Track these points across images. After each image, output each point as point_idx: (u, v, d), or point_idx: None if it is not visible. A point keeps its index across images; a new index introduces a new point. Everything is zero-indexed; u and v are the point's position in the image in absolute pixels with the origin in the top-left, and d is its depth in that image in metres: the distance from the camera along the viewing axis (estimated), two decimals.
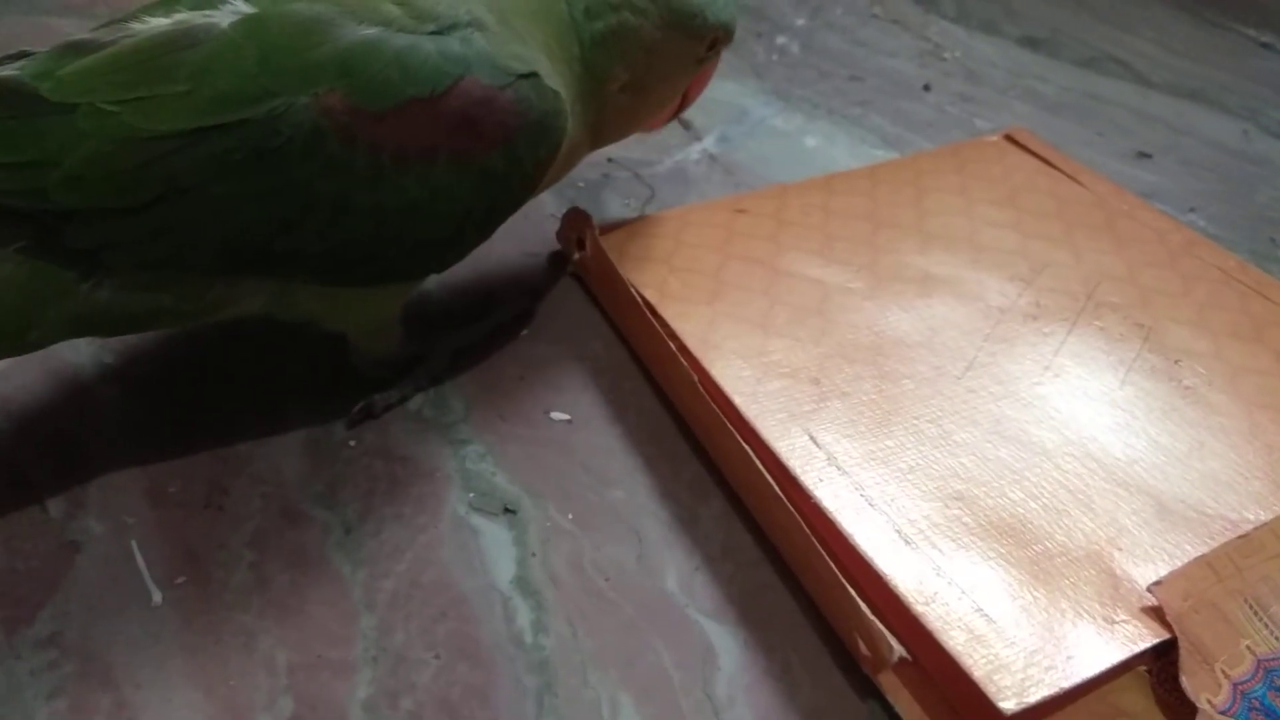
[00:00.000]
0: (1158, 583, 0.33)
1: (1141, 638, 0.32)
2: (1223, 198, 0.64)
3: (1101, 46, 0.82)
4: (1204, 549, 0.35)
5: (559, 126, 0.38)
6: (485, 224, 0.39)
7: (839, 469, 0.38)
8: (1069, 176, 0.59)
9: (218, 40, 0.32)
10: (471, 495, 0.40)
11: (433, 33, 0.34)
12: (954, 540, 0.35)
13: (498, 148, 0.36)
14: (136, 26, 0.33)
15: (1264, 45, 0.87)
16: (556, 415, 0.43)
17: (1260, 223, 0.62)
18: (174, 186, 0.31)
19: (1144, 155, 0.68)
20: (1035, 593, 0.34)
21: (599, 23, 0.40)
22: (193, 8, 0.34)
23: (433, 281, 0.49)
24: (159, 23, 0.33)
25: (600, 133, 0.44)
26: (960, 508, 0.36)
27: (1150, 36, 0.85)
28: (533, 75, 0.36)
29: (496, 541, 0.38)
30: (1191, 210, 0.62)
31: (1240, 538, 0.35)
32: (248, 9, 0.33)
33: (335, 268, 0.36)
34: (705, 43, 0.43)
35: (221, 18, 0.33)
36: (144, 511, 0.38)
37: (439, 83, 0.34)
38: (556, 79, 0.38)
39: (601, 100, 0.42)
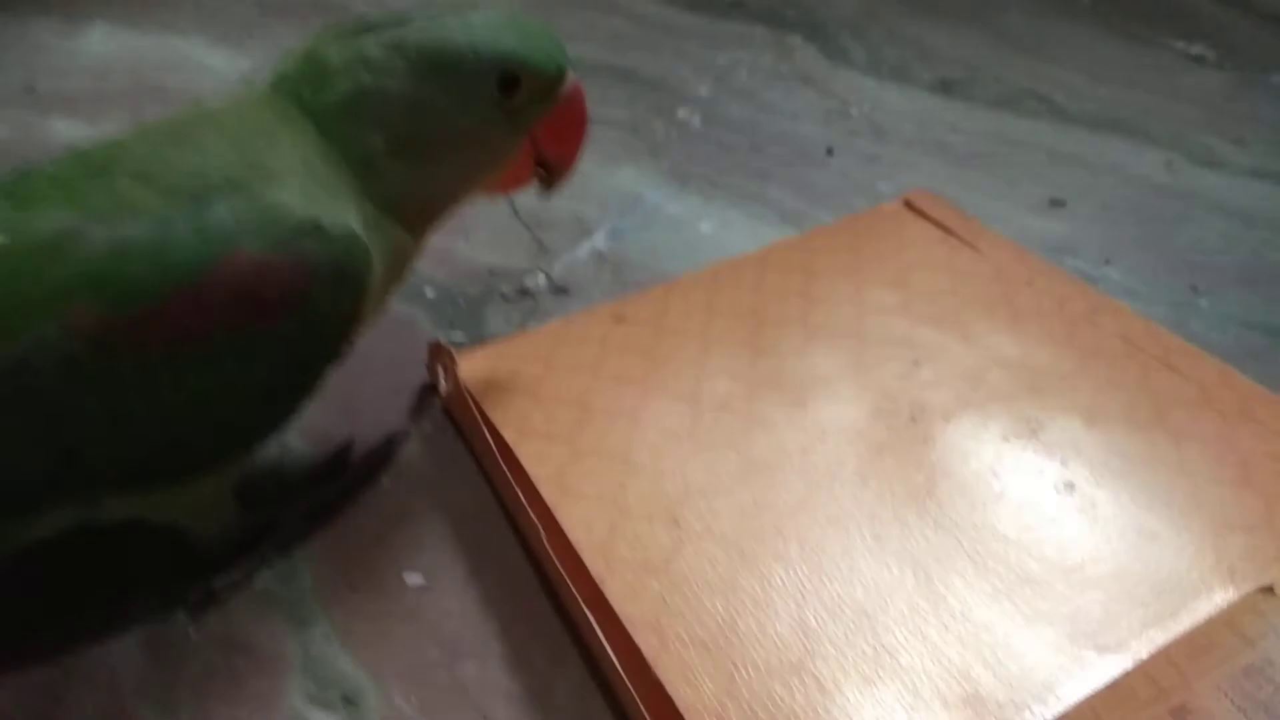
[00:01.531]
0: None
1: None
2: (1142, 244, 0.61)
3: (1019, 82, 0.79)
4: (1075, 696, 0.32)
5: (359, 267, 0.35)
6: (299, 390, 0.36)
7: (680, 640, 0.35)
8: (968, 244, 0.56)
9: None
10: (311, 685, 0.37)
11: (192, 203, 0.32)
12: (790, 718, 0.33)
13: (290, 314, 0.34)
14: None
15: (1194, 59, 0.84)
16: (411, 579, 0.41)
17: (1181, 268, 0.59)
18: None
19: (1058, 203, 0.65)
20: None
21: (330, 94, 0.36)
22: None
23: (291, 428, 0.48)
24: None
25: (413, 221, 0.39)
26: (802, 675, 0.34)
27: (1072, 64, 0.82)
28: (312, 223, 0.33)
29: None
30: (1107, 262, 0.60)
31: (1106, 688, 0.32)
32: None
33: (137, 477, 0.34)
34: (491, 85, 0.37)
35: None
36: None
37: (202, 264, 0.31)
38: (339, 204, 0.35)
39: (385, 182, 0.37)
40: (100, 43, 0.85)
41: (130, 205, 0.32)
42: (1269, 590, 0.35)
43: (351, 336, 0.37)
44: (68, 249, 0.31)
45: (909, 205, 0.60)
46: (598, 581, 0.37)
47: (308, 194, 0.34)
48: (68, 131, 0.71)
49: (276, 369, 0.35)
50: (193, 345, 0.32)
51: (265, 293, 0.33)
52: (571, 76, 0.40)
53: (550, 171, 0.43)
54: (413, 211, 0.39)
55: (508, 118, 0.38)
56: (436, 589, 0.41)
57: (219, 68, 0.81)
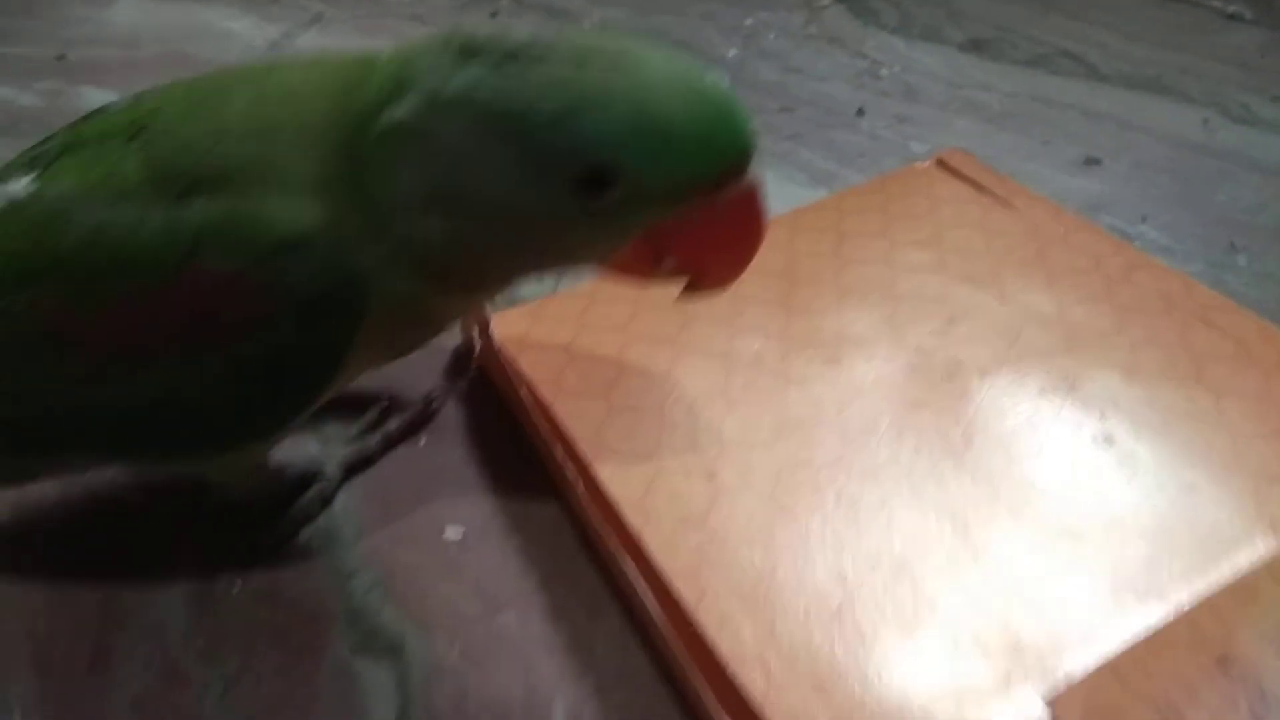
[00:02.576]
0: (1054, 697, 0.31)
1: None
2: (1178, 202, 0.61)
3: (1052, 41, 0.78)
4: (1119, 645, 0.33)
5: (349, 300, 0.31)
6: (287, 405, 0.33)
7: (719, 590, 0.35)
8: (1002, 202, 0.56)
9: None
10: (355, 636, 0.38)
11: (177, 197, 0.29)
12: (830, 664, 0.33)
13: (249, 337, 0.30)
14: None
15: (1231, 17, 0.83)
16: (451, 532, 0.42)
17: (1219, 226, 0.59)
18: None
19: (1093, 161, 0.64)
20: (932, 713, 0.31)
21: (384, 118, 0.29)
22: None
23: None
24: None
25: (440, 280, 0.32)
26: (841, 623, 0.34)
27: (1106, 22, 0.81)
28: (296, 241, 0.29)
29: (378, 686, 0.36)
30: (1143, 220, 0.59)
31: (1149, 636, 0.32)
32: (28, 189, 0.32)
33: (107, 452, 0.35)
34: (564, 177, 0.28)
35: None
36: (30, 681, 0.37)
37: (166, 267, 0.29)
38: (342, 227, 0.30)
39: (406, 228, 0.30)
40: (128, 12, 0.85)
41: (124, 186, 0.30)
42: None
43: (332, 371, 0.32)
44: (57, 224, 0.30)
45: (941, 164, 0.59)
46: (636, 535, 0.38)
47: (307, 206, 0.30)
48: (98, 99, 0.71)
49: (249, 383, 0.31)
50: (145, 351, 0.30)
51: (227, 307, 0.30)
52: (738, 183, 0.30)
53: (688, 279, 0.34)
54: (439, 271, 0.32)
55: (591, 215, 0.29)
56: (476, 544, 0.41)
57: (246, 35, 0.81)
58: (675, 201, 0.29)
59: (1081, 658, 0.32)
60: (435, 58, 0.29)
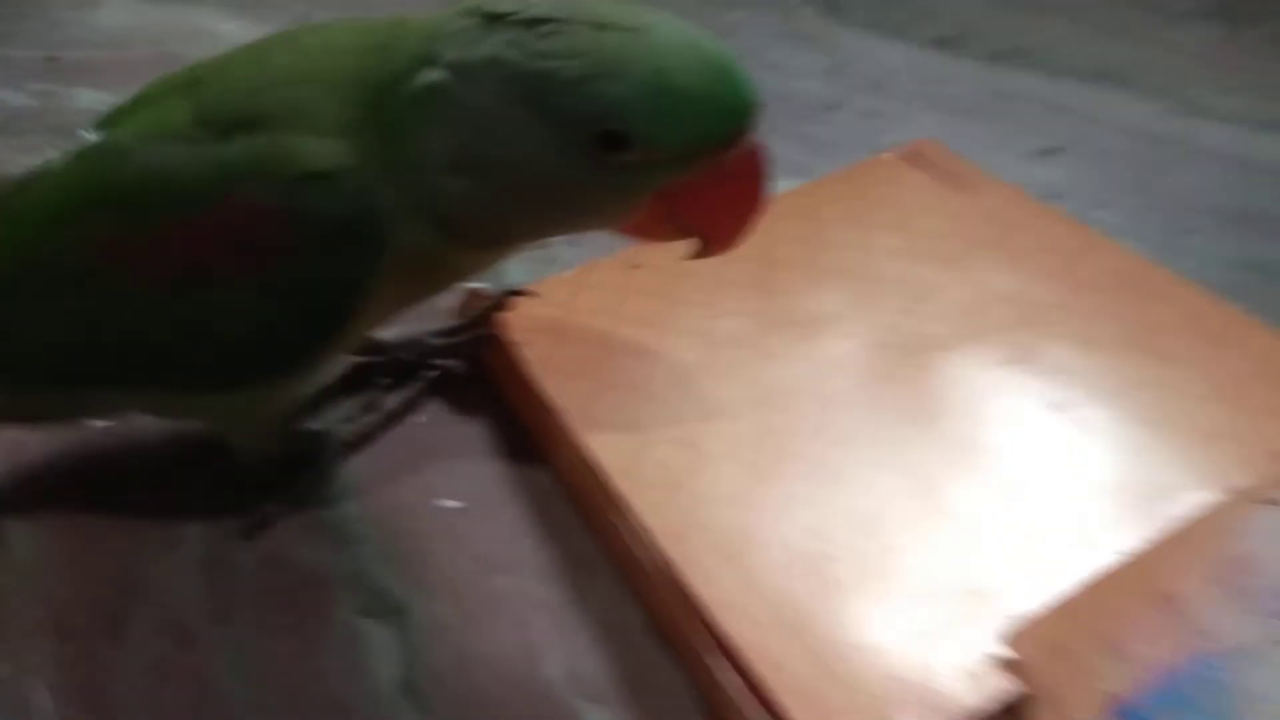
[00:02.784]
0: (1012, 635, 0.33)
1: (998, 692, 0.32)
2: (1134, 189, 0.64)
3: (1013, 37, 0.81)
4: (1070, 584, 0.35)
5: (369, 233, 0.33)
6: (313, 335, 0.35)
7: (702, 547, 0.38)
8: (968, 189, 0.58)
9: (45, 180, 0.36)
10: (360, 599, 0.40)
11: (220, 136, 0.33)
12: (808, 612, 0.35)
13: (276, 264, 0.33)
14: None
15: (1187, 11, 0.86)
16: (448, 503, 0.44)
17: (1173, 210, 0.62)
18: None
19: (1053, 151, 0.67)
20: (901, 652, 0.34)
21: (411, 81, 0.31)
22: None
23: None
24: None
25: (459, 235, 0.34)
26: (818, 575, 0.37)
27: (1066, 18, 0.84)
28: (320, 174, 0.32)
29: (383, 645, 0.39)
30: (1101, 206, 0.62)
31: (1103, 577, 0.35)
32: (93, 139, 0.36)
33: (148, 379, 0.37)
34: (583, 138, 0.30)
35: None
36: (49, 649, 0.39)
37: (203, 200, 0.33)
38: (371, 170, 0.32)
39: (429, 187, 0.33)
40: (116, 15, 0.86)
41: (175, 130, 0.34)
42: (1253, 492, 0.38)
43: (353, 302, 0.34)
44: (110, 165, 0.35)
45: (911, 154, 0.62)
46: (624, 499, 0.40)
47: (335, 146, 0.32)
48: (93, 100, 0.73)
49: (273, 312, 0.34)
50: (183, 277, 0.33)
51: (257, 237, 0.32)
52: (742, 145, 0.33)
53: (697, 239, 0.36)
54: (463, 228, 0.34)
55: (608, 175, 0.32)
56: (472, 512, 0.44)
57: (236, 37, 0.82)
58: (686, 163, 0.32)
59: (1037, 598, 0.35)
60: (461, 24, 0.31)
